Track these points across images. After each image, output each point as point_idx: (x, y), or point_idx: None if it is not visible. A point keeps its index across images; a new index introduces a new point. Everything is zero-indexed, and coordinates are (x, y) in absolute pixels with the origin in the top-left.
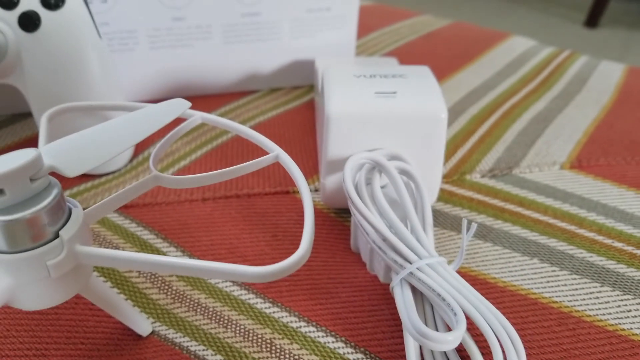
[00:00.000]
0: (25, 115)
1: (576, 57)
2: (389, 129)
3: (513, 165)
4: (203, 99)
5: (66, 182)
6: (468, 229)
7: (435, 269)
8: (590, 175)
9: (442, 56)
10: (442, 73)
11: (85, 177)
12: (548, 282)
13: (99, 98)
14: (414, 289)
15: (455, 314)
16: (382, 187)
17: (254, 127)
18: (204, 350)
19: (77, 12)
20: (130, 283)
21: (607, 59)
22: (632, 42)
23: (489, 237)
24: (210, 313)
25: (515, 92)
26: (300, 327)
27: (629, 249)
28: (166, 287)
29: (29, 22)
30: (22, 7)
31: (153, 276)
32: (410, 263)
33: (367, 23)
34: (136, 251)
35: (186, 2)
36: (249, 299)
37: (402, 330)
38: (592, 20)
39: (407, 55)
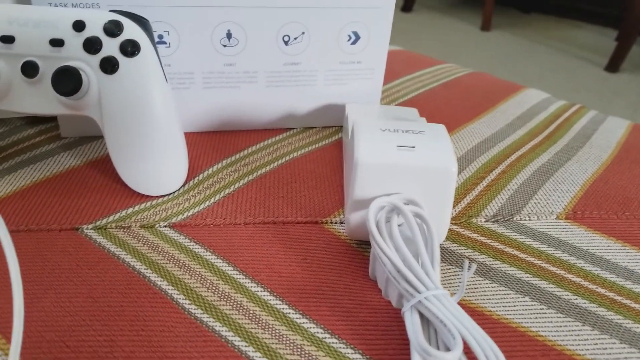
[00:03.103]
0: (90, 139)
1: (584, 111)
2: (407, 177)
3: (515, 212)
4: (246, 133)
5: (127, 201)
6: (469, 267)
7: (439, 300)
8: (582, 226)
9: (459, 106)
10: (457, 122)
11: (145, 197)
12: (536, 318)
13: (160, 130)
14: (421, 315)
15: (454, 338)
16: (398, 226)
17: (290, 162)
18: (246, 346)
19: (149, 59)
20: (183, 283)
21: (624, 104)
22: None
23: (488, 275)
24: (251, 315)
25: (522, 144)
26: (325, 338)
27: (611, 294)
28: (213, 287)
29: (109, 66)
30: (103, 53)
31: (202, 277)
32: (419, 293)
33: (393, 68)
34: (189, 261)
35: (238, 51)
36: (283, 308)
37: (409, 348)
38: (614, 64)
39: (427, 102)
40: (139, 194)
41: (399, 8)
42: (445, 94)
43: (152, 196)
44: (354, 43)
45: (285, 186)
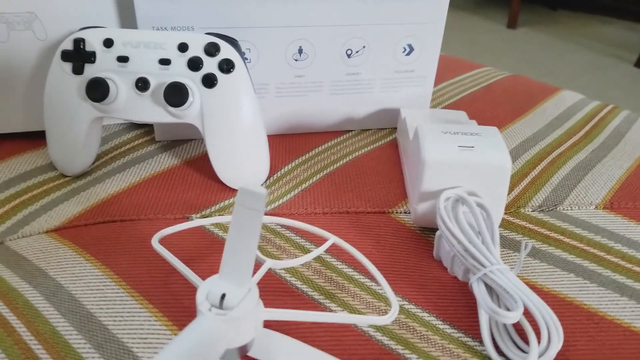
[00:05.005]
0: (181, 142)
1: (617, 111)
2: (467, 173)
3: (558, 203)
4: (311, 136)
5: (223, 194)
6: (526, 247)
7: (502, 273)
8: (619, 215)
9: (501, 108)
10: (500, 123)
11: (234, 191)
12: (581, 290)
13: (250, 134)
14: (486, 285)
15: (515, 302)
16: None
17: (353, 161)
18: (335, 307)
19: (242, 75)
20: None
21: None
22: None
23: (537, 256)
24: (340, 286)
25: (561, 143)
26: (404, 304)
27: None
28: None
29: (209, 81)
30: (204, 70)
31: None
32: (485, 267)
33: (437, 73)
34: (283, 243)
35: (307, 64)
36: (366, 281)
37: (475, 314)
38: None
39: (471, 105)
40: (231, 188)
41: None
42: (487, 96)
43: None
44: (408, 54)
45: (352, 181)
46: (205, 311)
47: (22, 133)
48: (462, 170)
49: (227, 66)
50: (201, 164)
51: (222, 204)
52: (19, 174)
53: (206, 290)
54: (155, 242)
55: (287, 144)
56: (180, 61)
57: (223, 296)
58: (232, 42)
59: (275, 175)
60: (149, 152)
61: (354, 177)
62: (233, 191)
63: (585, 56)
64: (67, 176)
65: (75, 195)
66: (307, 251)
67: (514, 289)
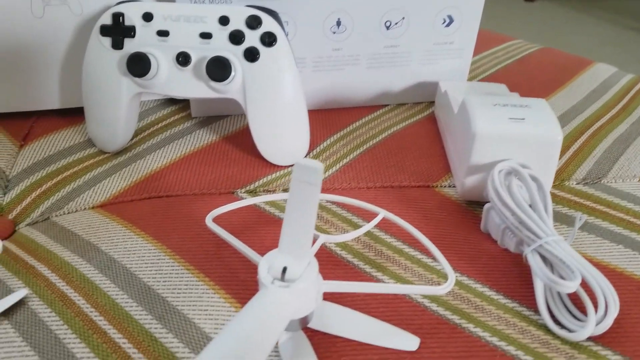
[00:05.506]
0: (217, 118)
1: None
2: (518, 145)
3: (601, 176)
4: (346, 111)
5: (265, 170)
6: (580, 218)
7: (557, 244)
8: None
9: (536, 81)
10: (537, 96)
11: (277, 167)
12: (630, 261)
13: (292, 108)
14: (540, 256)
15: (572, 272)
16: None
17: (392, 136)
18: (381, 276)
19: (284, 48)
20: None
21: None
22: None
23: (585, 228)
24: (389, 257)
25: (600, 116)
26: (457, 276)
27: None
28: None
29: (251, 55)
30: (246, 44)
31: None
32: (540, 238)
33: None
34: (331, 218)
35: (345, 37)
36: (416, 254)
37: (527, 285)
38: None
39: (506, 79)
40: (272, 164)
41: None
42: (521, 69)
43: (282, 166)
44: (447, 25)
45: (393, 156)
46: (269, 284)
47: (58, 110)
48: (513, 143)
49: (269, 39)
50: (239, 140)
51: (265, 180)
52: (58, 151)
53: (267, 264)
54: (209, 220)
55: (322, 120)
56: (221, 35)
57: (284, 270)
58: (273, 14)
59: (314, 151)
60: (186, 129)
61: (395, 152)
62: (275, 167)
63: (606, 30)
64: (106, 153)
65: (117, 172)
66: (355, 225)
67: (570, 260)
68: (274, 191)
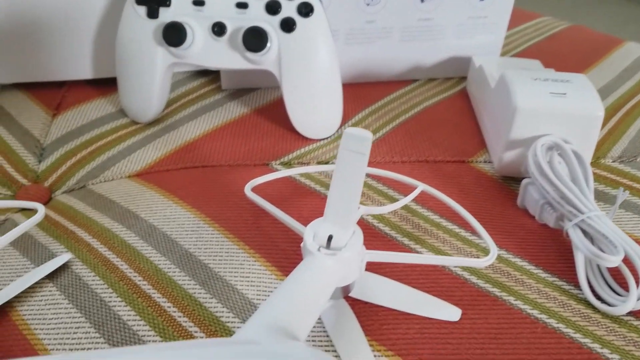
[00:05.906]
0: (247, 90)
1: None
2: (559, 120)
3: (638, 154)
4: (377, 85)
5: (298, 143)
6: (623, 192)
7: (599, 218)
8: None
9: (568, 58)
10: None
11: (310, 140)
12: None
13: (327, 80)
14: (582, 231)
15: (615, 247)
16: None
17: (424, 110)
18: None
19: (321, 19)
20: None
21: None
22: None
23: (622, 205)
24: (428, 231)
25: (633, 94)
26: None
27: None
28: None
29: (288, 25)
30: (283, 14)
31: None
32: (582, 213)
33: None
34: (367, 191)
35: (379, 9)
36: (454, 228)
37: (567, 260)
38: None
39: (537, 55)
40: (305, 137)
41: None
42: (552, 47)
43: (315, 139)
44: None
45: (426, 131)
46: (315, 251)
47: (89, 80)
48: (554, 118)
49: (306, 9)
50: (270, 113)
51: (298, 152)
52: (90, 121)
53: (312, 232)
54: (248, 190)
55: (353, 93)
56: (257, 4)
57: (329, 238)
58: None
59: (347, 125)
60: (217, 101)
61: (428, 127)
62: (308, 140)
63: (623, 8)
64: (138, 123)
65: (151, 142)
66: (391, 198)
67: (613, 235)
68: (308, 163)
